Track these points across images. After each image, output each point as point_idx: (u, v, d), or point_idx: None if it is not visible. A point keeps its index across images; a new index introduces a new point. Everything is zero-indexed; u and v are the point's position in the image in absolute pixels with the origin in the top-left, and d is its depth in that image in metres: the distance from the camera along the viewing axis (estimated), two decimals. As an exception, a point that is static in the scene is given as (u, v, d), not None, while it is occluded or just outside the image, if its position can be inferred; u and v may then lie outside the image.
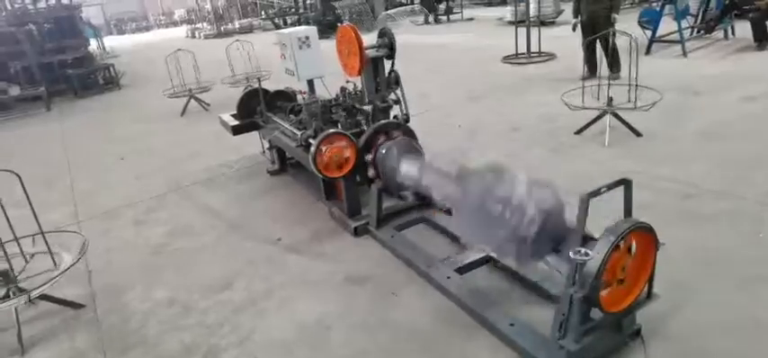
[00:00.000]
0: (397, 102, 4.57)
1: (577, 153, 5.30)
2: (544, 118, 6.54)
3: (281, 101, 5.59)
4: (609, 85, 5.75)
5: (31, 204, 3.37)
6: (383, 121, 4.01)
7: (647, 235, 2.36)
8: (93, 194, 5.88)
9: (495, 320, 2.86)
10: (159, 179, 6.02)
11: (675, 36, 9.10)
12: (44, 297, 3.42)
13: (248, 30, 24.61)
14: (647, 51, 9.18)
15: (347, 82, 4.71)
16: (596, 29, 7.76)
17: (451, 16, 20.04)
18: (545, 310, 2.92)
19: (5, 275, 3.31)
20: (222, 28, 24.93)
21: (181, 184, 5.77)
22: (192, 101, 9.16)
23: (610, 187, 2.37)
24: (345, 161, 3.95)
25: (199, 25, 26.51)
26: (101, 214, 5.28)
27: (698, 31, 9.74)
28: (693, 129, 5.54)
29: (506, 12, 15.96)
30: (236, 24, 25.04)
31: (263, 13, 25.20)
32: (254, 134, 5.89)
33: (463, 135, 6.39)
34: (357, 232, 4.11)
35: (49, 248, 3.44)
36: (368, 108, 4.37)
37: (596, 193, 2.30)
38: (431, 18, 19.34)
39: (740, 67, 7.94)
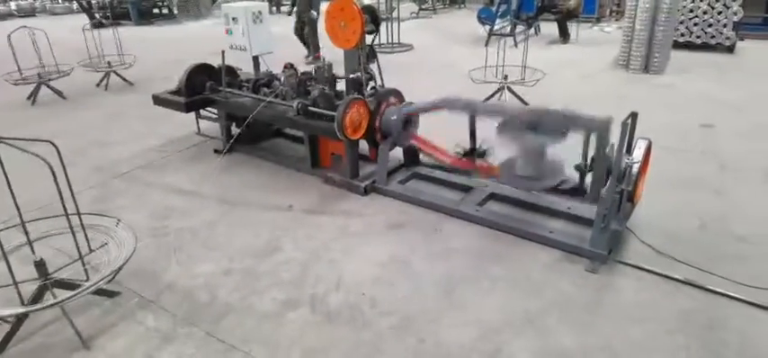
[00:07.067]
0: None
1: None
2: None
3: (228, 77, 5.47)
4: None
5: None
6: (387, 88, 4.47)
7: (649, 147, 3.47)
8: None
9: (538, 231, 3.69)
10: (76, 170, 5.19)
11: (504, 30, 11.30)
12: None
13: (30, 13, 20.67)
14: (487, 43, 11.14)
15: (312, 58, 4.97)
16: (302, 20, 9.33)
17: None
18: (557, 222, 3.88)
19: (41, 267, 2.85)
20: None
21: (116, 172, 5.14)
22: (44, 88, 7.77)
23: (626, 119, 3.39)
24: (359, 124, 4.30)
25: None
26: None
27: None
28: (563, 98, 7.23)
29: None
30: (12, 6, 20.68)
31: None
32: (161, 118, 5.83)
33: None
34: (366, 191, 4.49)
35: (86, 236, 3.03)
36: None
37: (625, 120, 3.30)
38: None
39: (560, 54, 10.35)
